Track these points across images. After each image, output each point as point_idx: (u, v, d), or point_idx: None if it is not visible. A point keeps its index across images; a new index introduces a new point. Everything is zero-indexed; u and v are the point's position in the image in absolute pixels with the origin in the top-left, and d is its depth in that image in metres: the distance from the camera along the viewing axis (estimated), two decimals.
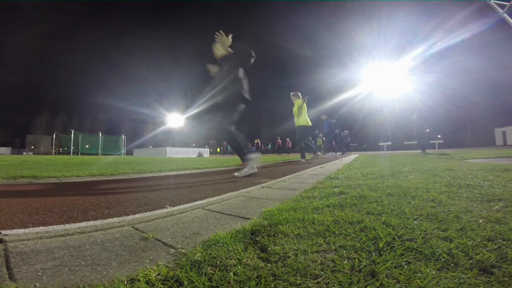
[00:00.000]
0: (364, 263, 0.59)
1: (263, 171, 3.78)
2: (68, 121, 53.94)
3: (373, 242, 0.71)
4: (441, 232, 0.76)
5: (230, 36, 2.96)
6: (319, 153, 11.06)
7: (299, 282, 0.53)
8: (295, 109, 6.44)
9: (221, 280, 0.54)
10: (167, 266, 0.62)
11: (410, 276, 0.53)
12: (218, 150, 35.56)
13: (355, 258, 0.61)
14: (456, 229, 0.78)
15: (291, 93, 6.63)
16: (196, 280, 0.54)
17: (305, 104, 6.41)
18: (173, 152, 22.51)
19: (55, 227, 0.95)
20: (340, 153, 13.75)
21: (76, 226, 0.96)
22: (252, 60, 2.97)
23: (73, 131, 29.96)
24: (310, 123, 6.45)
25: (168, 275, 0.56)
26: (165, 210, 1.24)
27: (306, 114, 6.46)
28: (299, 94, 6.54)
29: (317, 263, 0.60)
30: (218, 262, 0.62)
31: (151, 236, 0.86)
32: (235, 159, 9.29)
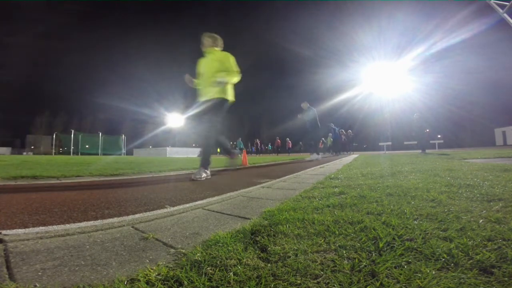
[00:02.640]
0: (364, 263, 0.59)
1: (263, 171, 3.78)
2: (68, 121, 54.04)
3: (373, 242, 0.71)
4: (441, 232, 0.76)
5: None
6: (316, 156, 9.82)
7: (299, 282, 0.53)
8: (206, 68, 3.01)
9: (221, 280, 0.54)
10: (167, 266, 0.62)
11: (410, 276, 0.53)
12: (218, 150, 35.54)
13: (355, 258, 0.61)
14: (456, 229, 0.77)
15: (204, 35, 3.06)
16: (196, 280, 0.54)
17: (231, 58, 2.92)
18: (173, 152, 22.51)
19: (55, 227, 0.95)
20: (331, 154, 12.86)
21: (76, 226, 0.96)
22: None
23: (73, 131, 29.97)
24: (233, 98, 3.08)
25: (168, 275, 0.56)
26: (165, 210, 1.24)
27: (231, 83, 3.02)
28: (218, 38, 3.09)
29: (317, 263, 0.60)
30: (218, 262, 0.62)
31: (151, 236, 0.86)
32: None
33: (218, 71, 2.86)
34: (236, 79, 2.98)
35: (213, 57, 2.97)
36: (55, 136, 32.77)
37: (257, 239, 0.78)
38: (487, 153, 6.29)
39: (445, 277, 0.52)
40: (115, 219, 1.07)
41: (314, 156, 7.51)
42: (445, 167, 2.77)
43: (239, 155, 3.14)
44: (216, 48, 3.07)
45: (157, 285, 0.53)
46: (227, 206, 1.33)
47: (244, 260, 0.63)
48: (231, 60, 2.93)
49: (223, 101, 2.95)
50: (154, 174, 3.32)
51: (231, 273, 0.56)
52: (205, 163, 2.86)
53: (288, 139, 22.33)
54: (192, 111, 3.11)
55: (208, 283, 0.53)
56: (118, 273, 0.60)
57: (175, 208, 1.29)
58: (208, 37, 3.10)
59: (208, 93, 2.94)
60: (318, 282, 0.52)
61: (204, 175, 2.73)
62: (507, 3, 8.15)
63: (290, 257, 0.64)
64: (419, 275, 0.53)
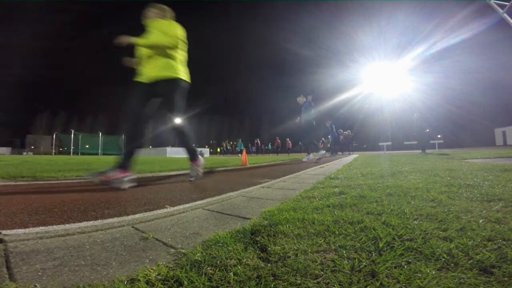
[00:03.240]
0: (364, 263, 0.59)
1: (263, 171, 3.78)
2: (68, 121, 54.07)
3: (373, 242, 0.71)
4: (441, 232, 0.76)
5: None
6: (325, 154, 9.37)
7: (299, 282, 0.53)
8: (152, 39, 2.19)
9: (221, 280, 0.54)
10: (167, 266, 0.62)
11: (410, 276, 0.53)
12: (218, 150, 35.54)
13: (355, 258, 0.61)
14: (456, 229, 0.77)
15: (149, 7, 2.42)
16: (196, 280, 0.54)
17: (177, 27, 2.29)
18: (173, 152, 22.47)
19: (55, 227, 0.95)
20: (326, 153, 12.62)
21: (76, 226, 0.96)
22: None
23: (73, 131, 29.99)
24: (187, 77, 2.43)
25: (168, 275, 0.56)
26: (165, 210, 1.24)
27: (183, 60, 2.44)
28: (168, 10, 2.42)
29: (317, 263, 0.60)
30: (218, 262, 0.62)
31: (151, 236, 0.86)
32: (235, 159, 9.28)
33: (159, 41, 2.17)
34: (178, 51, 2.29)
35: (155, 30, 2.25)
36: (55, 136, 32.79)
37: (257, 239, 0.78)
38: (487, 153, 6.29)
39: (445, 277, 0.52)
40: (115, 219, 1.07)
41: (310, 156, 7.18)
42: (445, 167, 2.77)
43: (202, 162, 2.48)
44: (161, 19, 2.35)
45: (157, 285, 0.53)
46: (227, 206, 1.33)
47: (244, 260, 0.63)
48: (177, 29, 2.25)
49: (175, 80, 2.25)
50: (154, 174, 3.32)
51: (231, 273, 0.56)
52: (192, 156, 2.43)
53: (288, 139, 22.32)
54: (137, 96, 2.21)
55: (208, 283, 0.53)
56: (118, 273, 0.60)
57: (175, 208, 1.29)
58: (153, 8, 2.38)
59: (151, 71, 2.20)
60: (318, 282, 0.52)
61: (199, 169, 2.43)
62: (507, 3, 8.16)
63: (290, 257, 0.64)
64: (419, 275, 0.53)
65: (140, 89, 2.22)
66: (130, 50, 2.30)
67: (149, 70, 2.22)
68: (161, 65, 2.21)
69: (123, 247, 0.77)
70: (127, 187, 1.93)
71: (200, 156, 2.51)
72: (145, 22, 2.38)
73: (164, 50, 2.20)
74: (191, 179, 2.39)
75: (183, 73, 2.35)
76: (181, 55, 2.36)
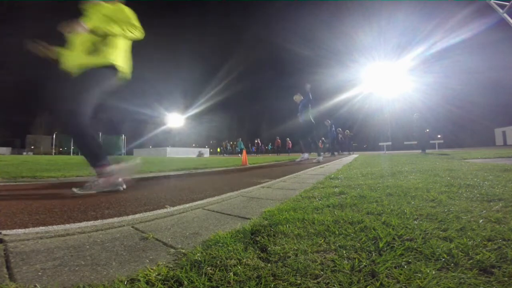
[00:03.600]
0: (364, 263, 0.59)
1: (263, 171, 3.78)
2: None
3: (373, 242, 0.71)
4: (441, 232, 0.76)
5: None
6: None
7: (299, 282, 0.53)
8: (97, 23, 1.84)
9: (221, 280, 0.54)
10: (167, 266, 0.62)
11: (410, 276, 0.53)
12: (218, 150, 35.56)
13: (355, 258, 0.61)
14: (456, 229, 0.77)
15: None
16: (196, 280, 0.54)
17: (126, 9, 1.96)
18: (173, 152, 22.48)
19: (55, 227, 0.95)
20: (326, 153, 12.25)
21: (76, 226, 0.96)
22: None
23: None
24: (125, 65, 2.05)
25: (168, 275, 0.56)
26: (165, 210, 1.24)
27: (126, 46, 2.06)
28: None
29: (317, 263, 0.60)
30: (218, 262, 0.62)
31: (151, 236, 0.86)
32: (235, 159, 9.28)
33: (103, 27, 1.82)
34: (134, 34, 1.95)
35: (98, 14, 1.89)
36: (55, 136, 32.78)
37: (257, 239, 0.78)
38: (487, 153, 6.29)
39: (445, 277, 0.52)
40: (115, 219, 1.07)
41: (306, 156, 6.74)
42: (445, 167, 2.77)
43: (117, 168, 1.89)
44: (104, 3, 1.95)
45: (157, 285, 0.53)
46: (227, 206, 1.33)
47: (244, 260, 0.63)
48: (127, 12, 1.92)
49: (106, 67, 1.87)
50: (154, 174, 3.32)
51: (231, 273, 0.56)
52: (93, 160, 1.82)
53: (288, 139, 22.31)
54: (65, 88, 1.86)
55: (208, 283, 0.53)
56: (118, 273, 0.60)
57: (175, 208, 1.29)
58: None
59: (80, 58, 1.85)
60: (318, 282, 0.52)
61: (103, 179, 1.78)
62: (507, 3, 8.16)
63: (290, 257, 0.64)
64: (419, 275, 0.53)
65: (69, 80, 1.88)
66: (61, 38, 1.95)
67: (78, 58, 1.87)
68: (92, 51, 1.87)
69: (123, 247, 0.77)
70: (122, 188, 1.87)
71: (110, 162, 1.86)
72: (85, 6, 1.97)
73: (104, 36, 1.87)
74: (80, 191, 1.71)
75: (120, 60, 1.99)
76: (124, 40, 2.03)
